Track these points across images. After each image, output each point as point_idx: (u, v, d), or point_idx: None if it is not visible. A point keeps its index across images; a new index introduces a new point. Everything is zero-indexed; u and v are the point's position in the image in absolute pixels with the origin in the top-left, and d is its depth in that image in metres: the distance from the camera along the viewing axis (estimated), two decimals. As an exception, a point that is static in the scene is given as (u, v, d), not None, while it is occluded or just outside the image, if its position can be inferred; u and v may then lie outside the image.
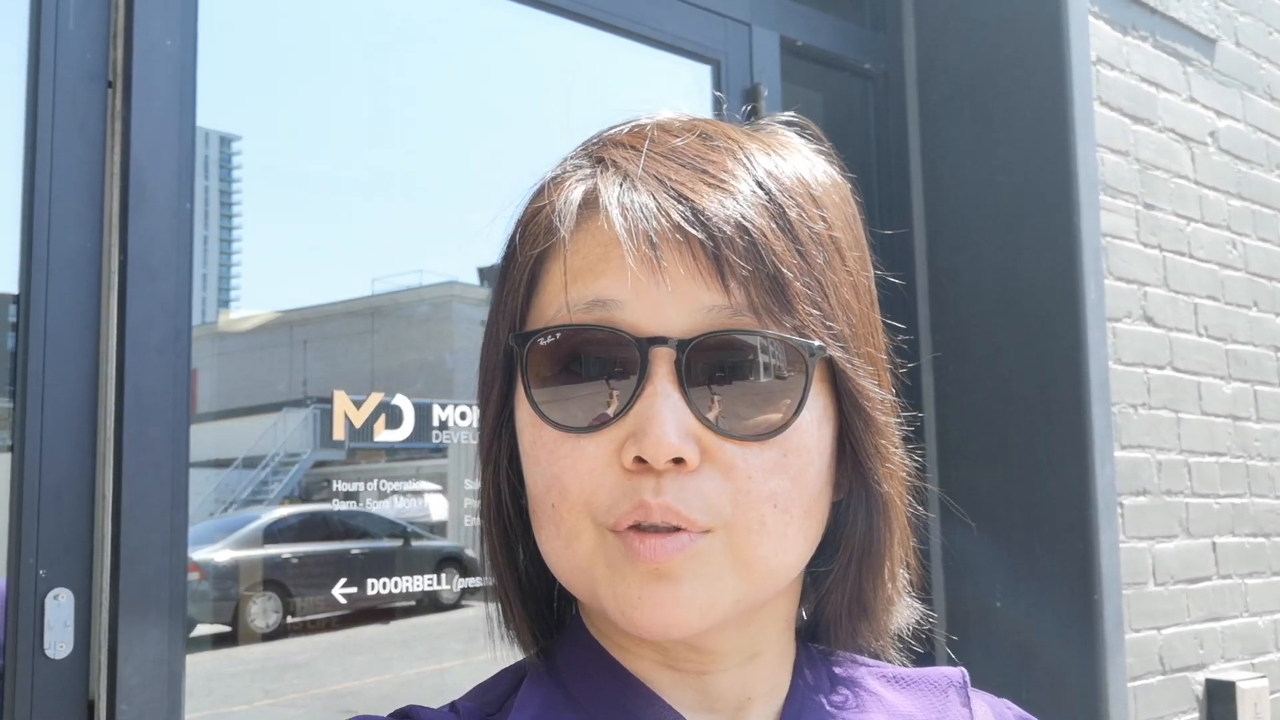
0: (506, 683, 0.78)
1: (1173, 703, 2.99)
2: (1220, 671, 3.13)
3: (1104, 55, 3.07)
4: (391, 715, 0.73)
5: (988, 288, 3.04)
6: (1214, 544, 3.21)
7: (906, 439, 0.76)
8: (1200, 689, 3.08)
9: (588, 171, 0.72)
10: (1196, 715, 3.06)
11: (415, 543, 2.52)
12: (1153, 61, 3.25)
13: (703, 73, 2.85)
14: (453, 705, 0.76)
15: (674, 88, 2.88)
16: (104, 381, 1.88)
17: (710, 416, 0.66)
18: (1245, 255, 3.49)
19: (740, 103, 2.84)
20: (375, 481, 2.35)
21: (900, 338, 0.80)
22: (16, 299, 1.84)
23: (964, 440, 3.03)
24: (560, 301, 0.69)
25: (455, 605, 2.50)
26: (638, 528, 0.66)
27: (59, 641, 1.78)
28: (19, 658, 1.75)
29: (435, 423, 2.40)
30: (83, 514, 1.83)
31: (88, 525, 1.84)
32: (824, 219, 0.71)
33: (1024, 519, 2.91)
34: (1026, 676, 2.84)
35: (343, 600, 2.30)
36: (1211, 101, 3.45)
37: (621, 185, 0.69)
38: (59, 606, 1.79)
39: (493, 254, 0.78)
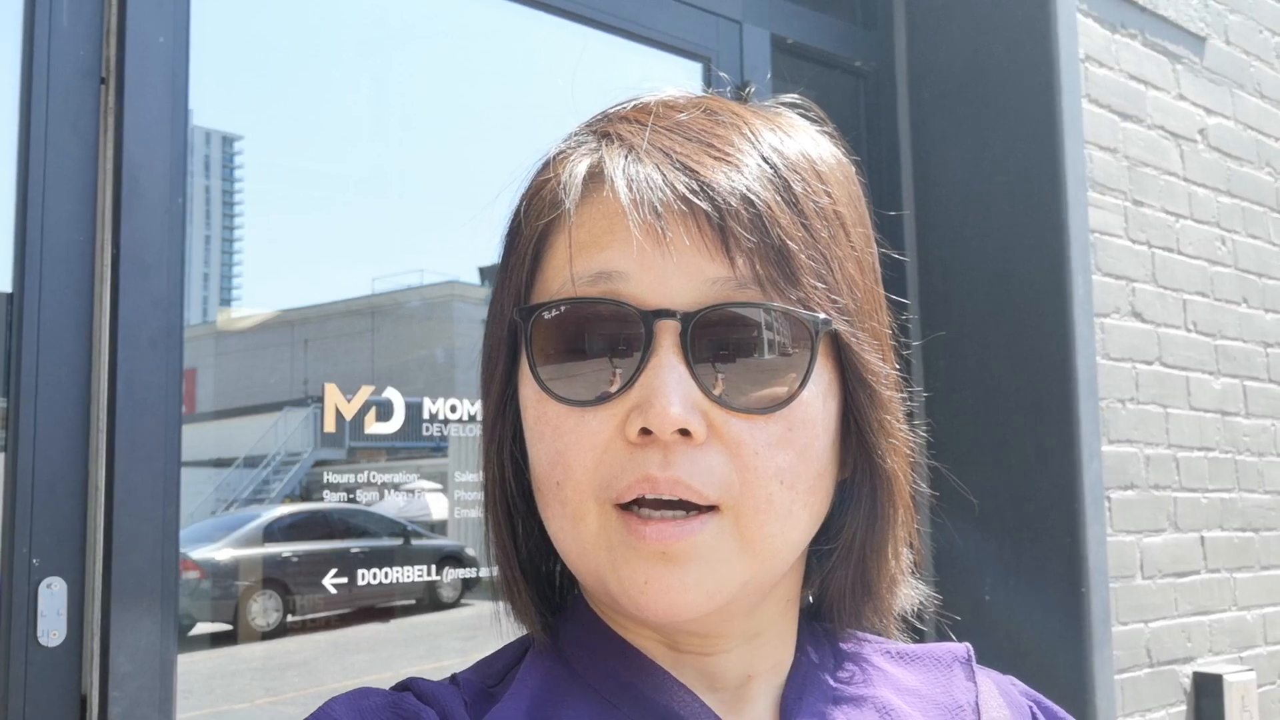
0: (509, 657, 0.77)
1: (1160, 695, 3.01)
2: (1208, 665, 3.15)
3: (1093, 53, 3.09)
4: (393, 687, 0.73)
5: (977, 284, 3.05)
6: (1202, 538, 3.22)
7: (909, 415, 0.76)
8: (1188, 682, 3.09)
9: (593, 146, 0.72)
10: (1184, 708, 3.07)
11: (415, 541, 2.51)
12: (1142, 59, 3.27)
13: (693, 70, 2.86)
14: (453, 677, 0.75)
15: (664, 85, 2.88)
16: (97, 375, 1.88)
17: (715, 390, 0.65)
18: (1234, 252, 3.51)
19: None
20: (376, 480, 2.35)
21: (903, 315, 0.80)
22: (10, 294, 1.86)
23: (953, 435, 3.03)
24: (565, 275, 0.68)
25: (455, 604, 2.51)
26: (642, 505, 0.65)
27: (52, 629, 1.79)
28: (12, 645, 1.76)
29: (425, 415, 2.40)
30: (76, 504, 1.84)
31: (81, 516, 1.84)
32: (829, 194, 0.71)
33: (1013, 512, 2.92)
34: (1014, 669, 2.81)
35: (340, 596, 2.31)
36: (1201, 99, 3.47)
37: (627, 158, 0.68)
38: (52, 595, 1.79)
39: (493, 251, 0.77)
